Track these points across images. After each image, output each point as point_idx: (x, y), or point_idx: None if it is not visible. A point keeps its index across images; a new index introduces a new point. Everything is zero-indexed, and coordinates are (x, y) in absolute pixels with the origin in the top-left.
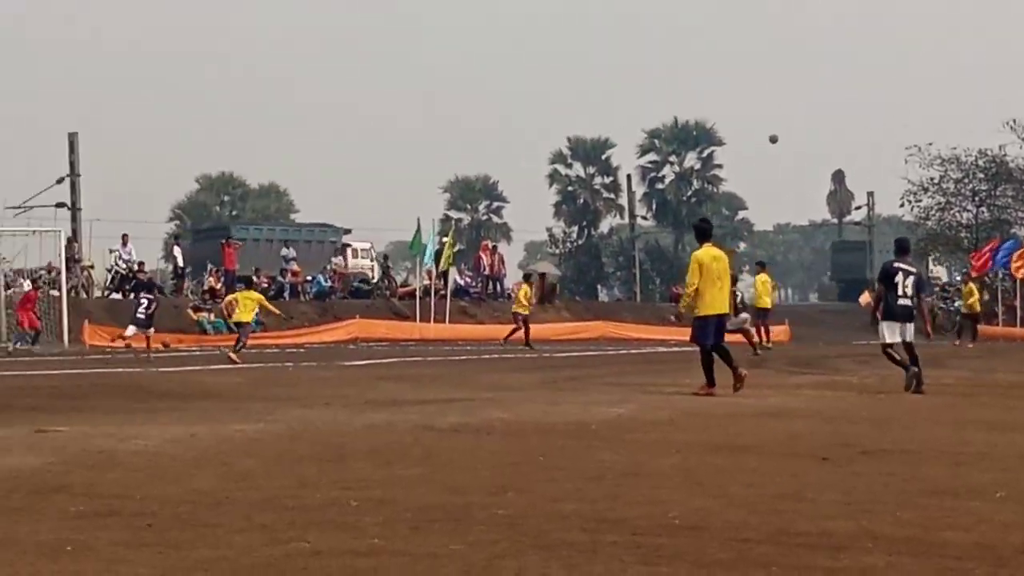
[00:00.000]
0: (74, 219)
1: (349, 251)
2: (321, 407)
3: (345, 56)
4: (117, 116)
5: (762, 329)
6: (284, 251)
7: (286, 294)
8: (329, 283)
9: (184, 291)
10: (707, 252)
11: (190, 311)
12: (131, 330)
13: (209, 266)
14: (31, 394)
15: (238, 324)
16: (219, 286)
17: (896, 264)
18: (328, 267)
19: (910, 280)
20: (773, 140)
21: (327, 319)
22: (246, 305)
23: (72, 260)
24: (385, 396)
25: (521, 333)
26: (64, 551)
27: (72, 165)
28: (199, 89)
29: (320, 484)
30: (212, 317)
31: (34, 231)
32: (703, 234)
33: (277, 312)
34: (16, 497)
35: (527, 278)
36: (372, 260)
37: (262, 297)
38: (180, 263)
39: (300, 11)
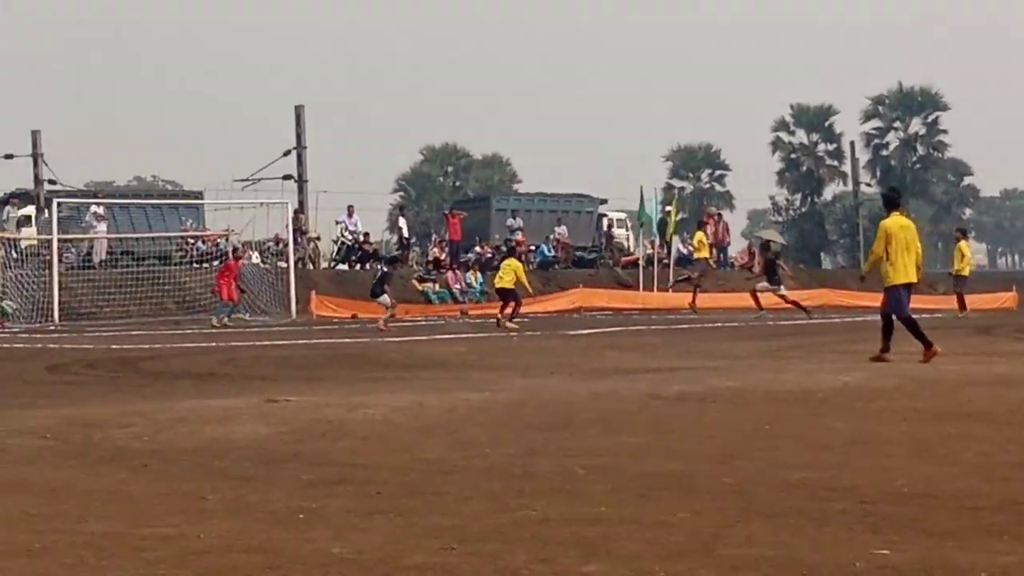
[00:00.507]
0: (300, 191)
1: (605, 221)
2: (546, 376)
3: (565, 26)
4: (343, 88)
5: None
6: (510, 221)
7: None
8: (553, 252)
9: (409, 262)
10: (895, 221)
11: (415, 281)
12: (386, 298)
13: (433, 236)
14: (261, 364)
15: (498, 291)
16: (443, 256)
17: None
18: (551, 236)
19: None
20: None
21: (551, 288)
22: (504, 273)
23: (299, 231)
24: (610, 365)
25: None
26: (296, 519)
27: (299, 137)
28: (422, 61)
29: (546, 452)
30: (437, 287)
31: (261, 203)
32: (891, 203)
33: (526, 285)
34: (247, 466)
35: (700, 225)
36: (627, 230)
37: (520, 265)
38: (405, 234)
39: None
